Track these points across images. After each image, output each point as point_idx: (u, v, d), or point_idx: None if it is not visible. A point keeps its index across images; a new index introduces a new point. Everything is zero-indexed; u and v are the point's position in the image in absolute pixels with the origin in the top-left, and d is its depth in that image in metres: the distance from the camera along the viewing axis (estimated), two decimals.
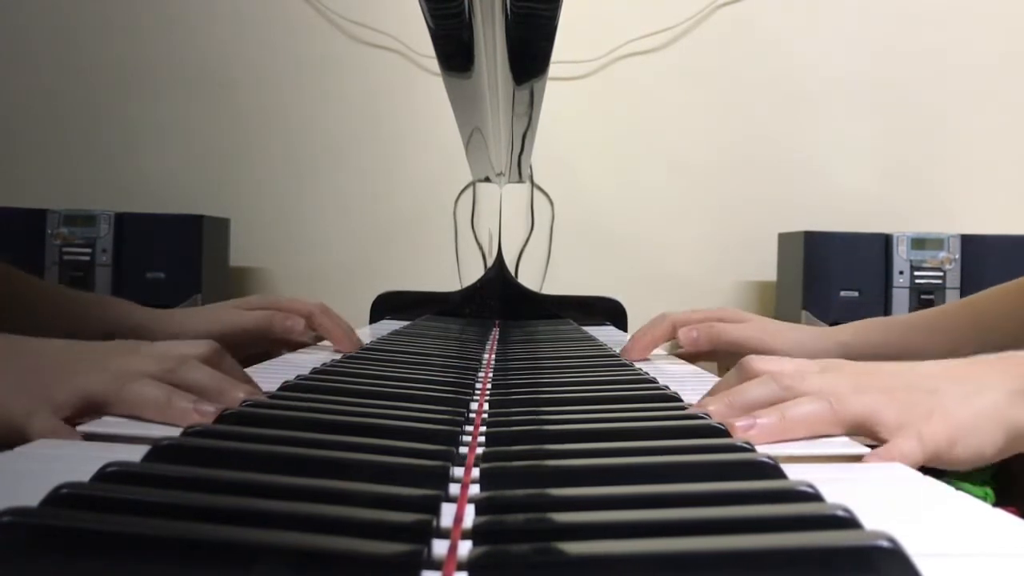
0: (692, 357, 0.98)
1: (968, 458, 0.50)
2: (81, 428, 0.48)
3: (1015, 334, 0.84)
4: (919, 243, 2.09)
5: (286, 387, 0.58)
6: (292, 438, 0.41)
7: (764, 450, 0.41)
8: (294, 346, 0.97)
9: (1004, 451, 0.51)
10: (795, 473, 0.37)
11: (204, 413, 0.49)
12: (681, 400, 0.58)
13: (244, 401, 0.51)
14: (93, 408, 0.50)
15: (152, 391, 0.50)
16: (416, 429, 0.46)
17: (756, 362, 0.57)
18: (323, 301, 0.98)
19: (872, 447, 0.50)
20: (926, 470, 0.42)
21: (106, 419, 0.50)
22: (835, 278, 2.10)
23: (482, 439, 0.46)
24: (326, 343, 0.97)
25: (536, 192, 2.38)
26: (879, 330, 0.91)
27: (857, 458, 0.47)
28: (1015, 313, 0.85)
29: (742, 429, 0.48)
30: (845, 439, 0.50)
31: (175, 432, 0.42)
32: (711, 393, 0.60)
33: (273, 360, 0.86)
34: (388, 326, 1.30)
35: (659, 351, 0.99)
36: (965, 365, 0.55)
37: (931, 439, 0.49)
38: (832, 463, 0.46)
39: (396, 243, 2.39)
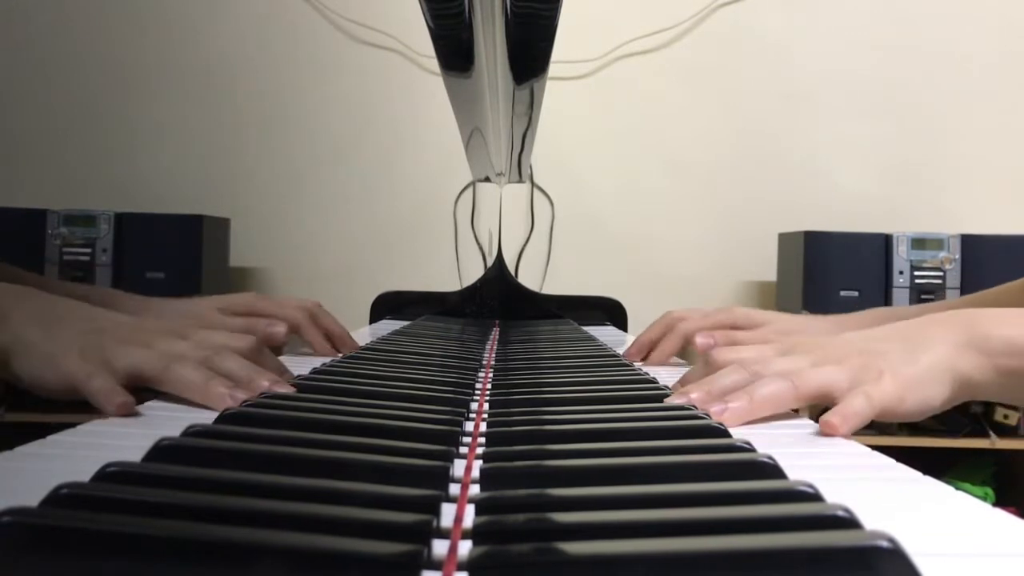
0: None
1: (918, 409, 0.56)
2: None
3: None
4: (919, 243, 2.09)
5: None
6: (292, 438, 0.41)
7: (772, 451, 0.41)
8: (276, 351, 0.95)
9: (952, 400, 0.57)
10: (796, 474, 0.37)
11: (236, 399, 0.54)
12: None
13: (266, 392, 0.56)
14: (141, 382, 0.55)
15: (193, 375, 0.55)
16: (416, 429, 0.46)
17: (721, 354, 0.63)
18: (322, 301, 0.96)
19: None
20: (921, 465, 0.42)
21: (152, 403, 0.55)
22: (835, 278, 2.10)
23: (482, 439, 0.46)
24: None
25: (536, 192, 2.38)
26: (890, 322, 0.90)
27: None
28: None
29: (716, 413, 0.53)
30: (807, 422, 0.55)
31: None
32: (682, 383, 0.64)
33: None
34: (388, 326, 1.30)
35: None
36: (914, 325, 0.60)
37: (879, 397, 0.54)
38: (831, 458, 0.46)
39: (396, 243, 2.39)
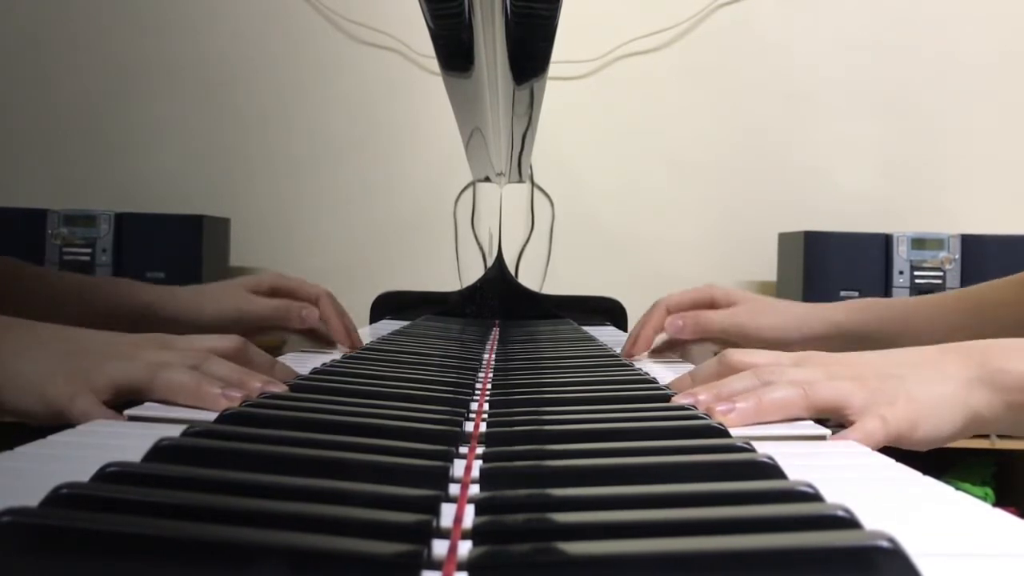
0: (683, 344, 0.99)
1: (928, 439, 0.56)
2: (128, 412, 0.53)
3: (1014, 325, 0.84)
4: (919, 243, 2.09)
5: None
6: (292, 438, 0.41)
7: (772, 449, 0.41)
8: (308, 334, 0.97)
9: (962, 432, 0.58)
10: (796, 474, 0.37)
11: (231, 398, 0.53)
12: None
13: (260, 393, 0.55)
14: (128, 394, 0.54)
15: (183, 378, 0.55)
16: (416, 429, 0.46)
17: (736, 356, 0.62)
18: None
19: (841, 427, 0.55)
20: (921, 465, 0.42)
21: (148, 404, 0.54)
22: (835, 278, 2.10)
23: (482, 439, 0.46)
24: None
25: (536, 192, 2.38)
26: (876, 313, 0.91)
27: (820, 438, 0.52)
28: (1016, 304, 0.86)
29: (722, 412, 0.53)
30: (810, 423, 0.55)
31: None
32: (692, 377, 0.64)
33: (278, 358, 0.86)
34: (388, 326, 1.30)
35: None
36: (930, 353, 0.60)
37: (894, 421, 0.54)
38: (831, 458, 0.46)
39: (396, 243, 2.39)
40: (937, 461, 1.95)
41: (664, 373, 0.76)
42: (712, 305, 0.95)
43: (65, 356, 0.56)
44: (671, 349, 1.00)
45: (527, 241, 2.37)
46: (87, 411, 0.52)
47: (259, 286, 0.95)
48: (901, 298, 1.00)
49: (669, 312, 0.95)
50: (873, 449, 0.52)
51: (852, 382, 0.56)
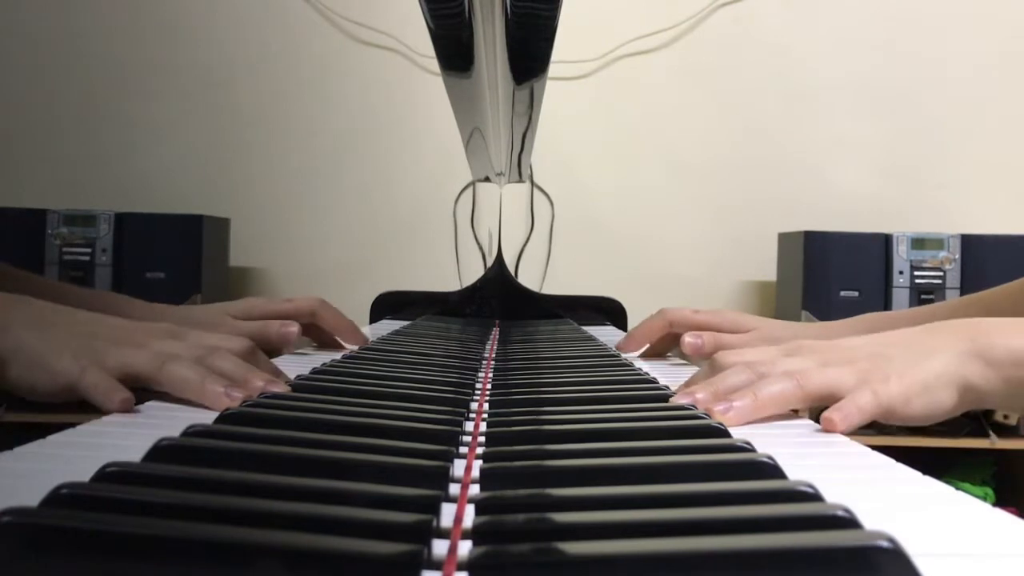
0: (674, 344, 0.99)
1: (924, 413, 0.56)
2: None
3: None
4: (919, 243, 2.09)
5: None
6: (292, 438, 0.41)
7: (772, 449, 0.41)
8: (289, 350, 0.96)
9: (960, 406, 0.58)
10: (796, 474, 0.37)
11: (233, 398, 0.53)
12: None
13: (262, 392, 0.55)
14: (133, 383, 0.54)
15: (189, 373, 0.55)
16: (416, 429, 0.46)
17: (726, 356, 0.63)
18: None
19: None
20: (921, 465, 0.42)
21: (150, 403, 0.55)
22: (835, 278, 2.10)
23: (482, 439, 0.46)
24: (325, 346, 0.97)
25: (536, 192, 2.38)
26: (887, 327, 0.90)
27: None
28: None
29: (720, 412, 0.53)
30: (810, 422, 0.55)
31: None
32: (687, 385, 0.64)
33: (275, 359, 0.86)
34: (388, 326, 1.30)
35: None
36: (919, 332, 0.60)
37: (886, 395, 0.55)
38: (831, 458, 0.46)
39: (396, 243, 2.39)
40: (937, 461, 1.95)
41: (663, 374, 0.76)
42: (720, 332, 0.94)
43: (74, 336, 0.56)
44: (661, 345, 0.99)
45: (527, 241, 2.37)
46: (97, 383, 0.53)
47: (241, 313, 0.93)
48: (905, 310, 1.00)
49: (672, 326, 0.95)
50: (860, 422, 0.53)
51: (844, 367, 0.57)
